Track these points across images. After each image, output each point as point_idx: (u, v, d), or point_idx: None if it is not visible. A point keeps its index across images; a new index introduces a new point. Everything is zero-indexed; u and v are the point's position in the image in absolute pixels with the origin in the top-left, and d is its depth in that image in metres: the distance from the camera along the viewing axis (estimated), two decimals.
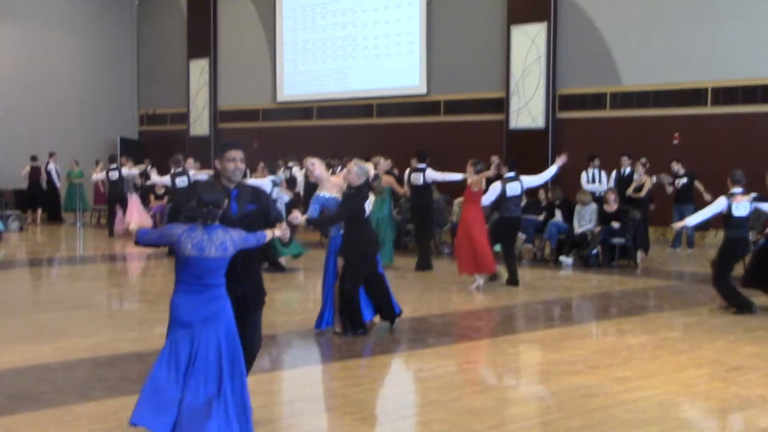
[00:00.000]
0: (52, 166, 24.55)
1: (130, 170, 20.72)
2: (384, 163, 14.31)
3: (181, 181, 16.63)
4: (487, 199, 12.57)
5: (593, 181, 17.86)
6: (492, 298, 11.84)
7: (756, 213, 14.58)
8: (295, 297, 12.53)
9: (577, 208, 15.61)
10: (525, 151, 20.75)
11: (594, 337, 9.62)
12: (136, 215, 19.04)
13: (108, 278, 14.74)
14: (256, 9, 27.18)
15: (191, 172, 17.03)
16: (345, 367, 7.90)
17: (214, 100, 28.34)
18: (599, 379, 7.38)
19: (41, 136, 27.30)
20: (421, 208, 14.59)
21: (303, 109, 26.13)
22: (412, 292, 12.22)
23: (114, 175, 20.59)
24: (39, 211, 23.95)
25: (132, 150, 27.42)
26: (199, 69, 28.52)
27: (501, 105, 21.61)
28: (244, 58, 27.53)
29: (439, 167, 15.29)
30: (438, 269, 14.52)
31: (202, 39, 28.34)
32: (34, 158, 24.51)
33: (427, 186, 14.65)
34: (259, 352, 6.05)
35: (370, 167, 9.75)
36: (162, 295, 12.28)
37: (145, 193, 22.66)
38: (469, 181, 12.56)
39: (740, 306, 10.74)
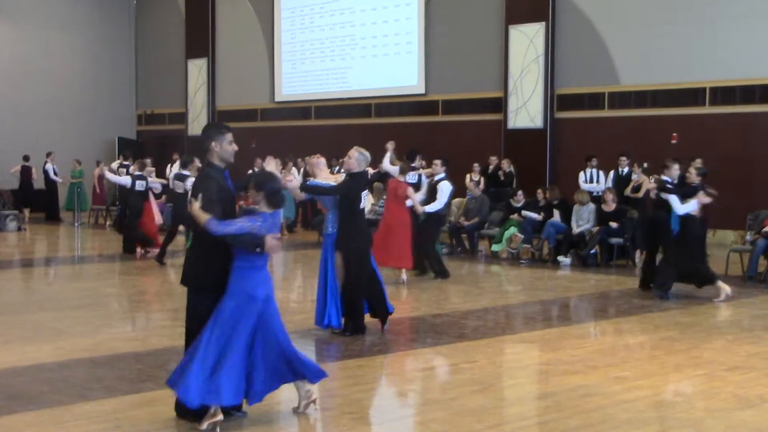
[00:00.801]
0: (49, 166, 24.53)
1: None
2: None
3: (140, 185, 16.67)
4: (442, 202, 13.32)
5: (591, 180, 17.85)
6: (490, 298, 11.85)
7: (754, 213, 14.67)
8: (293, 297, 12.53)
9: (575, 207, 15.61)
10: (523, 151, 20.79)
11: (592, 337, 9.62)
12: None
13: (106, 278, 14.73)
14: (255, 9, 27.17)
15: (150, 179, 17.10)
16: (343, 367, 7.89)
17: (212, 99, 28.34)
18: (598, 379, 7.39)
19: (40, 136, 27.30)
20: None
21: (301, 109, 26.13)
22: (410, 291, 12.23)
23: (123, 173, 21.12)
24: (27, 211, 23.91)
25: (130, 150, 27.43)
26: (197, 69, 28.52)
27: (499, 105, 21.62)
28: (242, 57, 27.54)
29: None
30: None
31: (200, 39, 28.33)
32: (26, 158, 24.57)
33: (421, 184, 14.79)
34: None
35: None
36: (160, 295, 12.30)
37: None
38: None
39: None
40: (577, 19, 20.41)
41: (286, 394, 6.42)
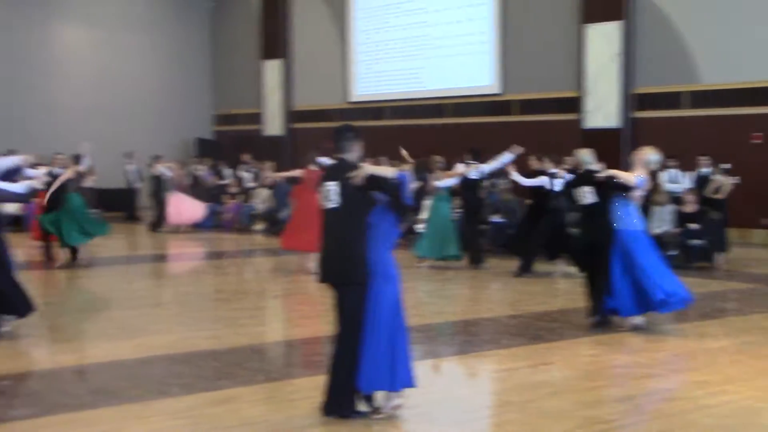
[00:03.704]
0: (130, 167, 25.05)
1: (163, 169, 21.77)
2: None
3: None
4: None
5: (674, 181, 17.38)
6: (566, 299, 11.69)
7: None
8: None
9: (655, 208, 15.32)
10: (599, 151, 20.42)
11: (673, 341, 9.42)
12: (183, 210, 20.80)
13: (183, 276, 14.97)
14: (329, 9, 27.34)
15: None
16: (421, 366, 7.84)
17: (287, 100, 28.59)
18: (678, 383, 7.24)
19: (122, 137, 27.84)
20: (474, 202, 14.81)
21: (375, 109, 26.19)
22: (486, 292, 12.15)
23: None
24: None
25: (208, 150, 27.94)
26: (272, 70, 28.80)
27: (575, 104, 21.36)
28: (317, 58, 27.72)
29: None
30: (494, 266, 14.40)
31: (275, 40, 28.61)
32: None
33: (479, 180, 15.03)
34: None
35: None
36: (236, 293, 12.43)
37: (219, 192, 23.02)
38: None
39: None
40: (655, 17, 20.05)
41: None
